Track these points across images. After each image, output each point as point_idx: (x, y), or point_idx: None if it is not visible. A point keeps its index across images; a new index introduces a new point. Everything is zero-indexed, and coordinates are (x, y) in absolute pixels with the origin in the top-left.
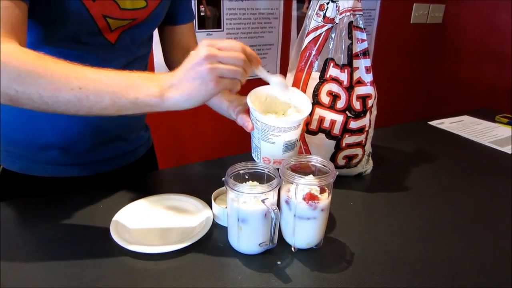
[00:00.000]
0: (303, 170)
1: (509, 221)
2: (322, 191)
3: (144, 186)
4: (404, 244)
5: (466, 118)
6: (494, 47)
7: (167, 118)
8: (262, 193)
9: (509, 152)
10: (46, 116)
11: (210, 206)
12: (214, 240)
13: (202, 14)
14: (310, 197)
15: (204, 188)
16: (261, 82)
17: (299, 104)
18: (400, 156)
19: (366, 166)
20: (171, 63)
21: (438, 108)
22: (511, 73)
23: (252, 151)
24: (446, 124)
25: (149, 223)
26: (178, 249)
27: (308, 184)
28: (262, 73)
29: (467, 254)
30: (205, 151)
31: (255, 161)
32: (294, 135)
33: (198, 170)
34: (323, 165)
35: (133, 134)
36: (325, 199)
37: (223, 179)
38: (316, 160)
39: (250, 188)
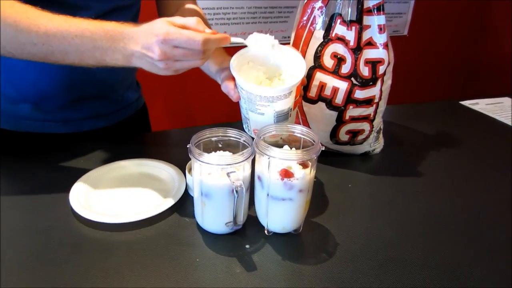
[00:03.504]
0: (291, 142)
1: None
2: (304, 167)
3: (126, 148)
4: (400, 239)
5: (506, 101)
6: None
7: (173, 77)
8: (228, 164)
9: None
10: (15, 69)
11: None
12: (181, 214)
13: None
14: (285, 174)
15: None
16: None
17: (291, 66)
18: (418, 137)
19: (374, 145)
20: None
21: (481, 89)
22: None
23: (243, 122)
24: (481, 105)
25: (116, 189)
26: (136, 220)
27: (283, 158)
28: (237, 40)
29: (464, 257)
30: (213, 114)
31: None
32: (286, 104)
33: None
34: (308, 137)
35: (116, 94)
36: (303, 178)
37: (187, 146)
38: (301, 130)
39: (215, 158)
